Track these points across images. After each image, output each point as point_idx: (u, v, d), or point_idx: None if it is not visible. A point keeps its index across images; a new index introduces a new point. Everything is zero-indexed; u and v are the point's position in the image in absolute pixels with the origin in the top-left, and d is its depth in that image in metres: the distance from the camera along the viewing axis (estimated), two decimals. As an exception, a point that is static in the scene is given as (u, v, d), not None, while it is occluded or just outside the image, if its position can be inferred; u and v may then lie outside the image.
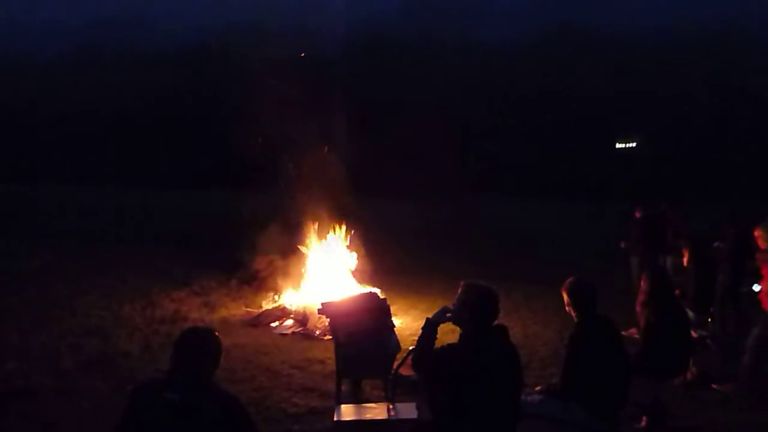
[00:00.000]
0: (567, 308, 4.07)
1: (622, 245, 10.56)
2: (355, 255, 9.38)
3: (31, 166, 31.94)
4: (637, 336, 6.19)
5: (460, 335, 3.36)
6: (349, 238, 9.55)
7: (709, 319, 6.72)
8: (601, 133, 34.34)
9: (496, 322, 3.37)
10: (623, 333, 4.61)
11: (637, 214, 10.47)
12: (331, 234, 9.61)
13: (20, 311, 8.20)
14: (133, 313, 8.48)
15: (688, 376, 5.64)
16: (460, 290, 3.42)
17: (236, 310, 9.04)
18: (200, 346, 2.89)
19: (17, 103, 36.30)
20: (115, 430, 2.79)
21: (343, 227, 9.68)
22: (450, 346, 3.33)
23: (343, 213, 9.81)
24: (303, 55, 9.86)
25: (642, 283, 5.72)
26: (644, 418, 4.80)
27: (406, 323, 8.31)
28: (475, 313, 3.31)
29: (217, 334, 2.97)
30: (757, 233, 5.87)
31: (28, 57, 39.65)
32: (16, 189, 24.49)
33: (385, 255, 10.75)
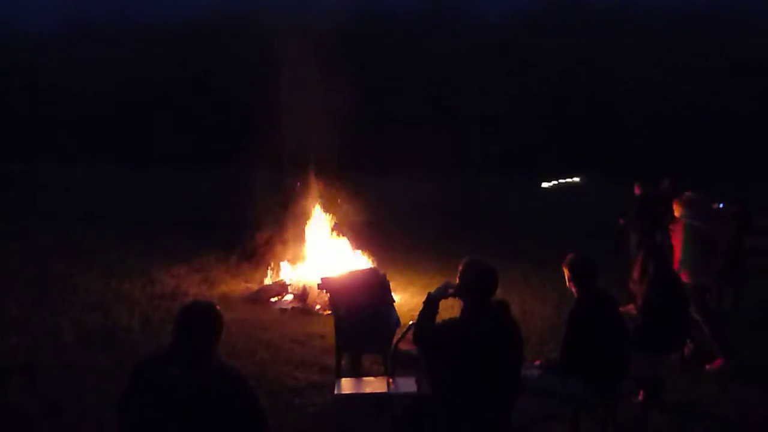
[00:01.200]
0: (568, 283, 4.09)
1: (621, 222, 10.57)
2: (352, 232, 9.41)
3: (29, 146, 31.70)
4: (634, 312, 6.25)
5: (462, 310, 3.38)
6: (347, 216, 9.56)
7: (708, 296, 6.76)
8: (609, 109, 33.90)
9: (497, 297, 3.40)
10: (621, 309, 4.64)
11: (637, 191, 10.45)
12: (330, 210, 9.62)
13: (21, 289, 8.22)
14: (133, 289, 8.51)
15: (686, 351, 5.69)
16: (461, 267, 3.43)
17: (236, 286, 9.07)
18: (201, 320, 2.89)
19: (12, 80, 35.88)
20: (118, 404, 2.81)
21: (343, 204, 9.69)
22: (451, 320, 3.35)
23: (343, 189, 9.80)
24: None
25: (638, 259, 5.77)
26: (641, 392, 4.86)
27: (405, 299, 8.36)
28: (474, 289, 3.32)
29: (218, 308, 2.97)
30: (674, 205, 6.23)
31: (22, 33, 39.05)
32: (13, 169, 24.43)
33: (385, 232, 10.78)
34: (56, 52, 37.06)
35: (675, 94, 32.73)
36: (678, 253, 6.02)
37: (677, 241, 6.06)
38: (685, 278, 5.82)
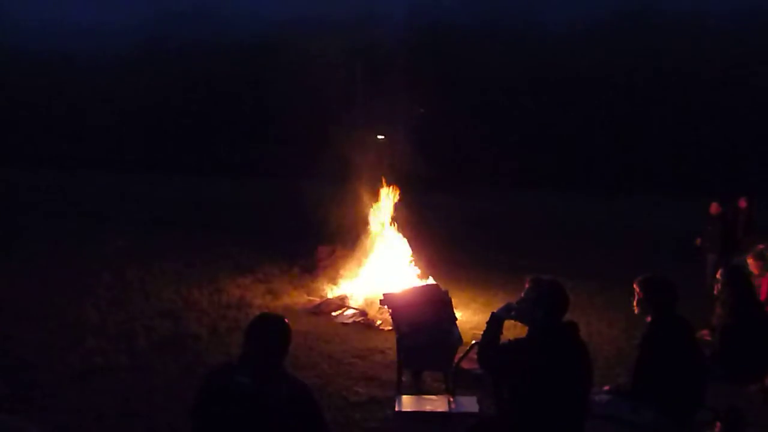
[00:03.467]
0: (637, 305, 3.94)
1: (698, 242, 10.12)
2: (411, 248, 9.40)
3: (105, 156, 33.61)
4: (709, 338, 5.95)
5: (529, 330, 3.32)
6: (407, 231, 9.58)
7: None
8: (671, 121, 32.67)
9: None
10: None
11: (714, 210, 10.00)
12: (390, 226, 9.66)
13: (98, 293, 8.65)
14: (201, 297, 8.79)
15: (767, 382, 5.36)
16: (527, 286, 3.37)
17: (298, 298, 9.21)
18: (270, 332, 2.98)
19: (88, 97, 38.22)
20: (190, 410, 2.92)
21: (402, 219, 9.71)
22: (518, 340, 3.30)
23: (401, 205, 9.82)
24: None
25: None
26: (718, 424, 4.60)
27: (467, 316, 8.25)
28: (547, 307, 3.26)
29: (286, 321, 3.05)
30: (750, 261, 6.18)
31: (99, 54, 41.45)
32: (94, 178, 25.96)
33: (443, 248, 10.72)
34: (126, 71, 39.30)
35: (752, 108, 31.14)
36: None
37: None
38: None
